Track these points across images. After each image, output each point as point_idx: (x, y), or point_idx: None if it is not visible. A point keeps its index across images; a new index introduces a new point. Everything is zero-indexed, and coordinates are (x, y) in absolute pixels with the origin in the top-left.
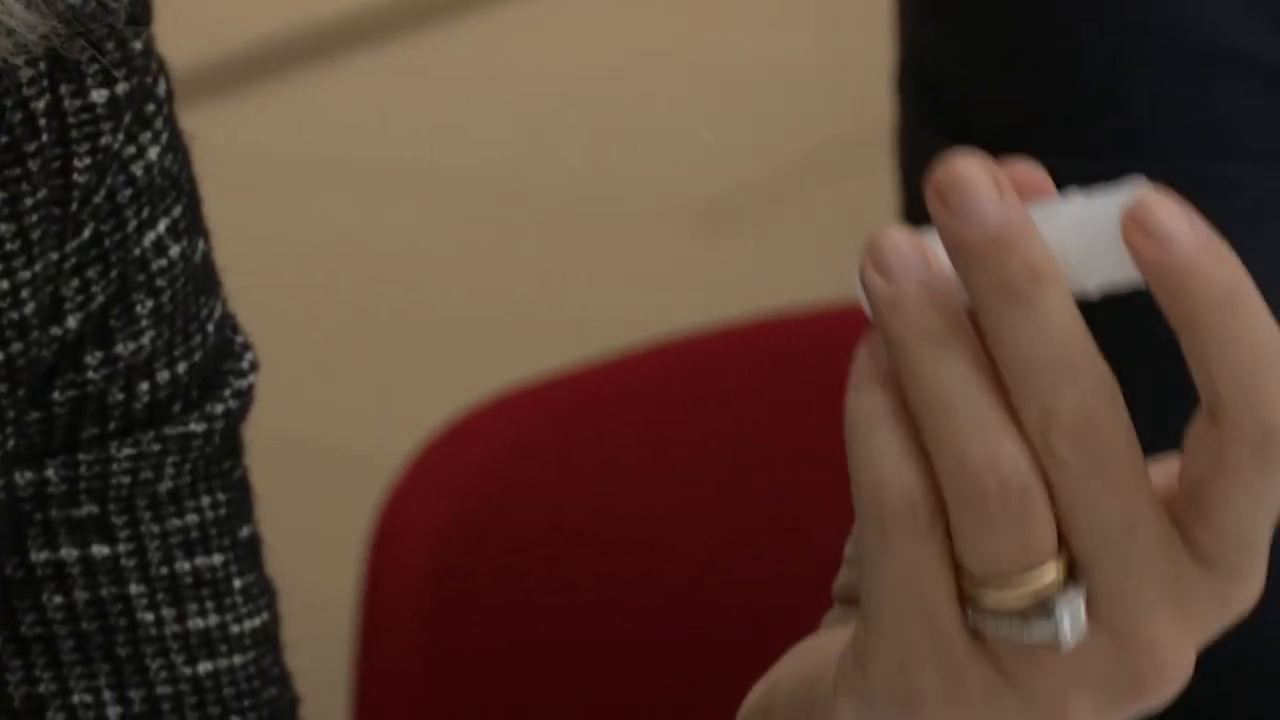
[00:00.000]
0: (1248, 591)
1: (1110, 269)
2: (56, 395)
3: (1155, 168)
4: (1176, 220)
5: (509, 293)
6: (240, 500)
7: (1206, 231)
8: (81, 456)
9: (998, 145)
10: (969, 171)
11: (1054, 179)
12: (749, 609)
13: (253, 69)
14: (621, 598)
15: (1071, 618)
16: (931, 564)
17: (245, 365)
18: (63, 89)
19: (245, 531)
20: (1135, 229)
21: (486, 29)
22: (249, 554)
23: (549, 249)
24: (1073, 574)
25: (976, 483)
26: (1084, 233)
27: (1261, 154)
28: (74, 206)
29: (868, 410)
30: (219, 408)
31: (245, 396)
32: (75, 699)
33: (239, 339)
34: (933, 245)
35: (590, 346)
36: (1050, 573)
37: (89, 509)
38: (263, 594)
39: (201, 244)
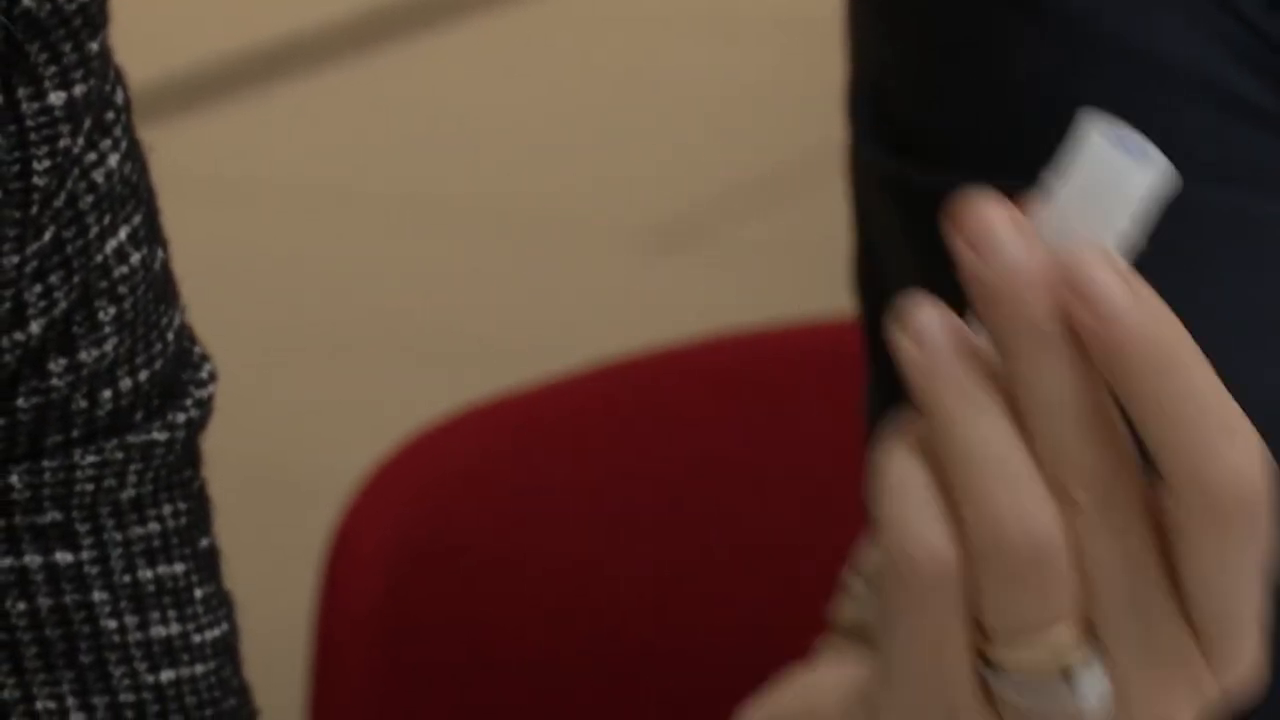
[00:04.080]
0: (1232, 667)
1: (1109, 223)
2: (20, 402)
3: None
4: (1111, 283)
5: (463, 313)
6: (199, 511)
7: (1142, 292)
8: (45, 463)
9: (944, 163)
10: (994, 214)
11: (1004, 198)
12: (703, 628)
13: (204, 90)
14: (575, 617)
15: (1093, 688)
16: (953, 623)
17: (205, 375)
18: (20, 91)
19: (205, 542)
20: (1071, 294)
21: (438, 51)
22: (208, 564)
23: (503, 268)
24: (1087, 638)
25: (1005, 539)
26: (1084, 209)
27: (1208, 173)
28: (34, 210)
29: (898, 472)
30: (181, 416)
31: (205, 406)
32: (39, 705)
33: (197, 349)
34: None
35: (544, 366)
36: (1066, 633)
37: (53, 515)
38: (222, 605)
39: (160, 253)
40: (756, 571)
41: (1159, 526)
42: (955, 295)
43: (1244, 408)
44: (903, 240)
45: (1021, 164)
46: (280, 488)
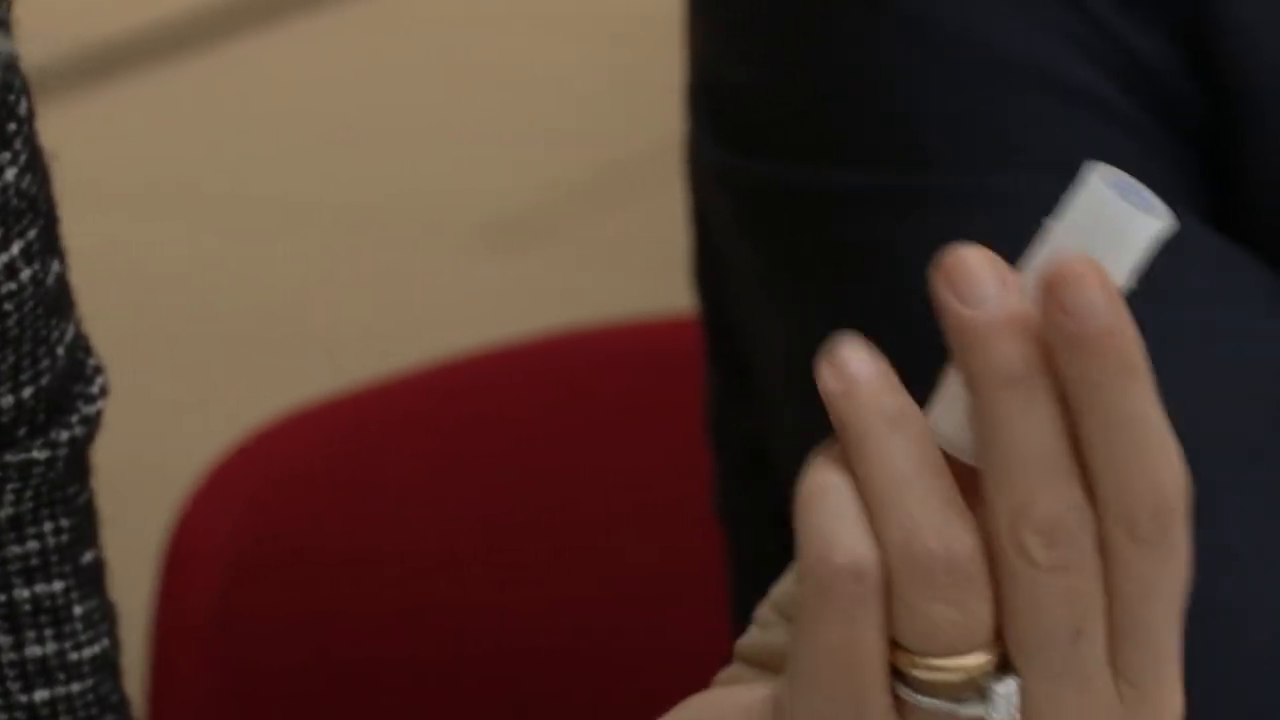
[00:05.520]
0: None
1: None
2: None
3: (941, 181)
4: (1093, 292)
5: (300, 310)
6: (84, 525)
7: (1115, 305)
8: None
9: (780, 158)
10: (974, 255)
11: (836, 191)
12: (542, 626)
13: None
14: (413, 617)
15: (1007, 703)
16: (868, 633)
17: (95, 390)
18: None
19: (88, 556)
20: (1049, 298)
21: (272, 48)
22: (91, 579)
23: (340, 266)
24: (1004, 668)
25: (925, 550)
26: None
27: (1050, 167)
28: None
29: (822, 481)
30: (64, 434)
31: (93, 422)
32: None
33: (91, 362)
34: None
35: (382, 364)
36: (982, 658)
37: None
38: (103, 619)
39: (56, 265)
40: (596, 569)
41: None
42: (791, 290)
43: None
44: (741, 236)
45: (862, 159)
46: (115, 486)
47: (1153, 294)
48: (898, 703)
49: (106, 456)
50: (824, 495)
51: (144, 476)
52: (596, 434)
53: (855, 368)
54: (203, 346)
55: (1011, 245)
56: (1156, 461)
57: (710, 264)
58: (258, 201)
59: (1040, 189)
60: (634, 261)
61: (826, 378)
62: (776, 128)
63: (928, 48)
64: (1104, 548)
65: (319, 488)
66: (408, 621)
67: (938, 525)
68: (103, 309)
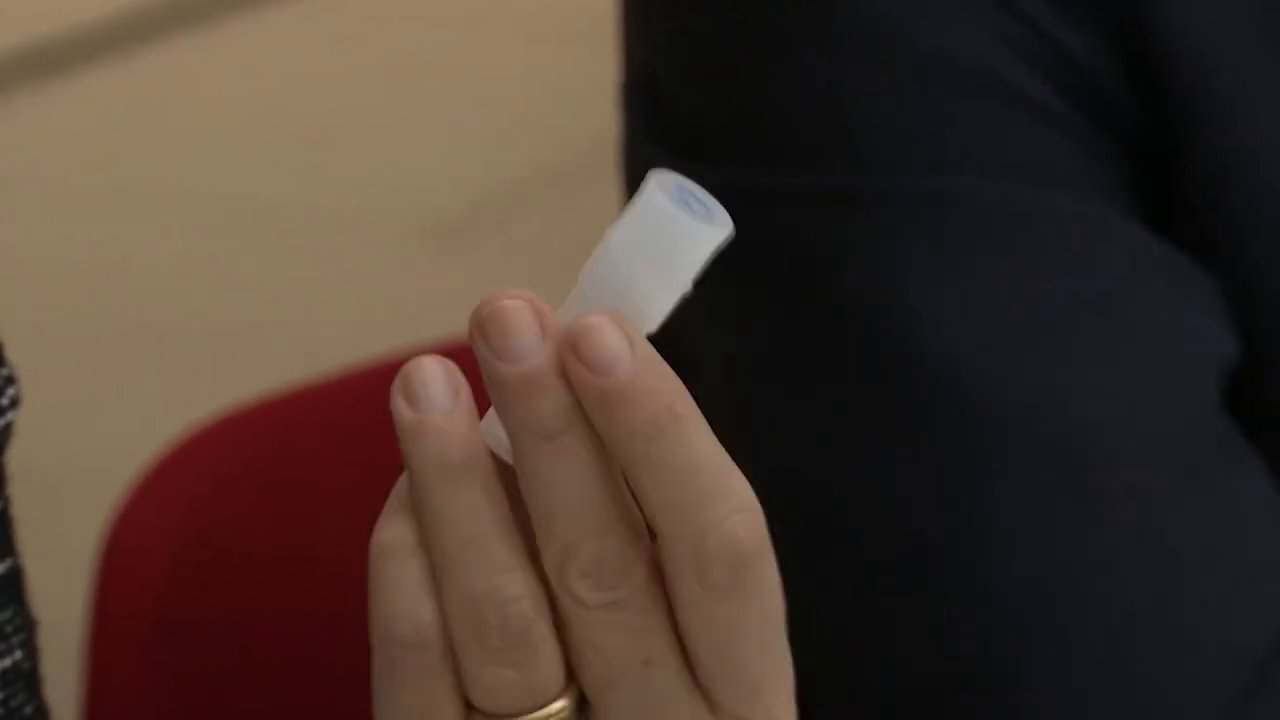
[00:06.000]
0: None
1: (665, 278)
2: None
3: (878, 183)
4: (615, 346)
5: (241, 311)
6: None
7: (644, 353)
8: None
9: (716, 158)
10: (513, 307)
11: (772, 192)
12: None
13: None
14: (351, 618)
15: None
16: (440, 698)
17: (5, 401)
18: None
19: (2, 567)
20: (572, 357)
21: (214, 49)
22: (5, 589)
23: (279, 266)
24: (584, 711)
25: (477, 615)
26: (641, 258)
27: (986, 169)
28: None
29: (389, 539)
30: None
31: (2, 434)
32: None
33: (2, 372)
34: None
35: (321, 364)
36: (559, 705)
37: None
38: (17, 630)
39: None
40: None
41: (665, 594)
42: (727, 290)
43: (1026, 407)
44: None
45: (798, 160)
46: (47, 489)
47: (1092, 295)
48: None
49: (42, 460)
50: (388, 558)
51: (79, 479)
52: None
53: (431, 396)
54: (138, 347)
55: (948, 246)
56: (718, 509)
57: None
58: (197, 200)
59: (977, 192)
60: (574, 261)
61: (399, 405)
62: (711, 127)
63: (865, 49)
64: (674, 590)
65: (256, 489)
66: (346, 622)
67: (489, 587)
68: (38, 307)
